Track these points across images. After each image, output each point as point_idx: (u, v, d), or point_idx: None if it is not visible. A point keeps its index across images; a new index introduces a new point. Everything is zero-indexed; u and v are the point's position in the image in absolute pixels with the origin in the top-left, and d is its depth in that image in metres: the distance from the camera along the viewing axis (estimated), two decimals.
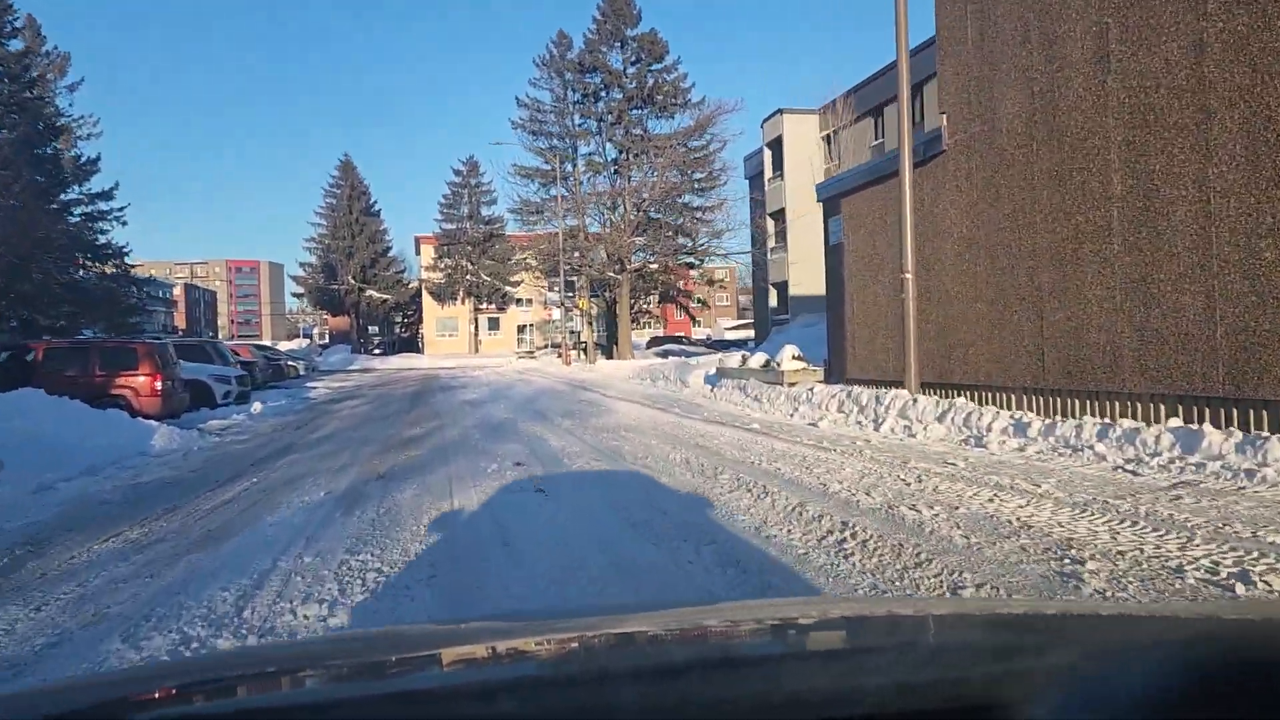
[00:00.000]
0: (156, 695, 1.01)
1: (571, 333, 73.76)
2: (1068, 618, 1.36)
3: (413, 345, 75.81)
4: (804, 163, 33.03)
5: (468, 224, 64.24)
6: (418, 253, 70.45)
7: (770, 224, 34.66)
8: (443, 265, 64.11)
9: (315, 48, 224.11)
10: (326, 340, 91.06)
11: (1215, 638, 1.08)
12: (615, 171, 38.22)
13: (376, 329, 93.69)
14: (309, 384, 31.68)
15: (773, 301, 35.47)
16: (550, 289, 72.84)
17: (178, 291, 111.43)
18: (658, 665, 1.06)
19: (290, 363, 38.46)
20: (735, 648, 1.18)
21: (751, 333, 78.22)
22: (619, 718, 0.82)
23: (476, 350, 65.23)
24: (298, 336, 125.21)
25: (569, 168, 40.29)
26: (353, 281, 63.38)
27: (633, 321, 43.10)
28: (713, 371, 18.72)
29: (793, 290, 33.45)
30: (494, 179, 65.05)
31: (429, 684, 1.06)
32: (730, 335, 77.78)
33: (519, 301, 68.63)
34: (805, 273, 32.53)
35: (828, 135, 32.75)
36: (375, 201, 67.42)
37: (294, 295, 71.18)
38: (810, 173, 33.27)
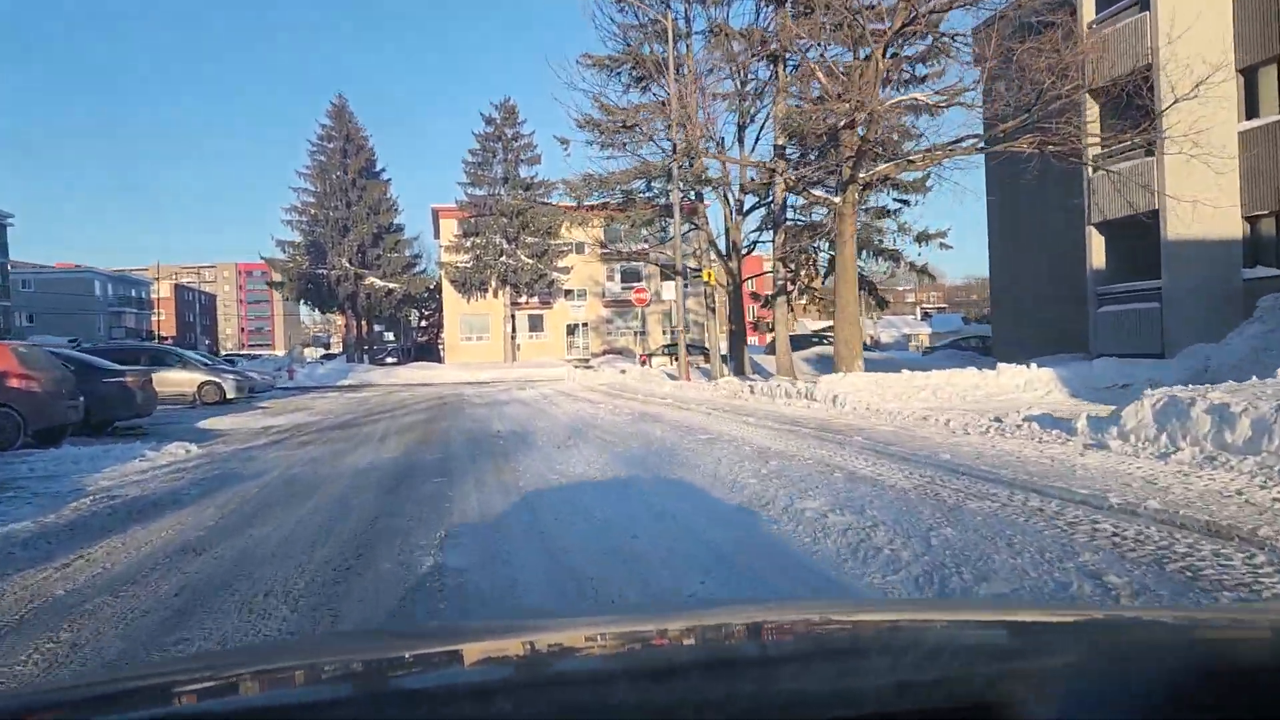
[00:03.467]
0: (159, 693, 0.98)
1: (638, 333, 57.04)
2: (1069, 620, 1.35)
3: (431, 352, 59.75)
4: None
5: (502, 189, 48.06)
6: (436, 235, 54.09)
7: (1092, 112, 18.01)
8: (469, 245, 47.94)
9: None
10: (340, 349, 75.06)
11: (1216, 641, 1.07)
12: (769, 54, 21.77)
13: (390, 333, 78.28)
14: (201, 424, 15.66)
15: (1096, 260, 18.71)
16: (609, 277, 56.50)
17: (165, 292, 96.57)
18: (656, 666, 1.05)
19: (210, 380, 22.54)
20: (735, 648, 1.16)
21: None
22: (618, 718, 0.81)
23: (514, 358, 48.98)
24: (308, 345, 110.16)
25: (672, 54, 23.88)
26: (348, 265, 47.21)
27: (730, 318, 26.57)
28: None
29: (1172, 231, 16.70)
30: (535, 129, 48.63)
31: (425, 684, 1.04)
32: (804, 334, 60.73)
33: (568, 293, 52.35)
34: (1221, 186, 15.91)
35: None
36: (382, 168, 51.15)
37: (270, 285, 55.16)
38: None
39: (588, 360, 49.11)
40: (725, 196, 26.24)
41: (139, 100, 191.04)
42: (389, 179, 50.71)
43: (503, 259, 47.33)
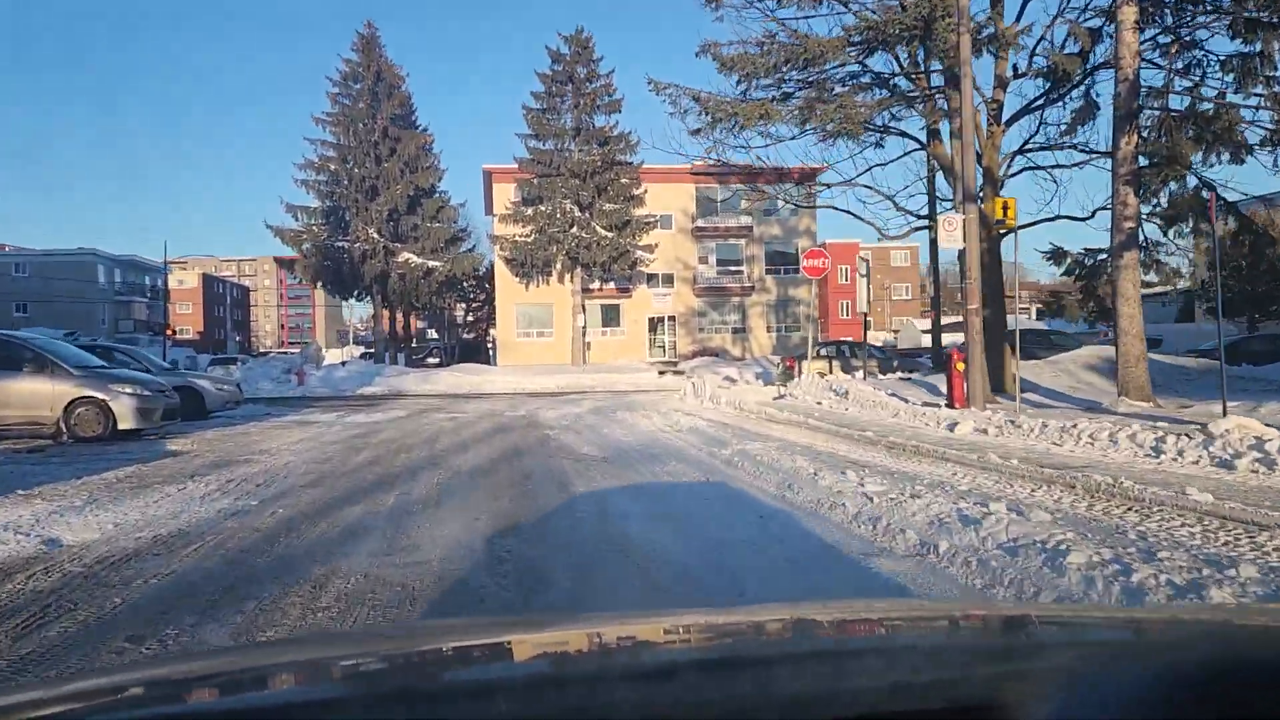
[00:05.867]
0: (175, 688, 0.98)
1: (737, 331, 46.14)
2: (1066, 620, 1.34)
3: (479, 352, 49.74)
4: None
5: (572, 144, 37.74)
6: (489, 210, 43.86)
7: None
8: (530, 213, 37.69)
9: None
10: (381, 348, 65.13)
11: (1212, 640, 1.08)
12: None
13: (433, 329, 68.51)
14: None
15: None
16: (703, 259, 45.62)
17: (192, 283, 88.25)
18: (654, 666, 1.05)
19: (86, 398, 12.56)
20: (732, 649, 1.16)
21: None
22: (616, 718, 0.81)
23: (585, 360, 38.62)
24: (347, 344, 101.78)
25: None
26: (376, 236, 37.18)
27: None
28: None
29: None
30: (614, 68, 37.88)
31: (424, 683, 1.03)
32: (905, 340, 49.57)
33: (649, 279, 41.87)
34: None
35: None
36: (424, 126, 40.81)
37: (279, 262, 45.47)
38: None
39: (675, 363, 38.63)
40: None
41: (151, 90, 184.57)
42: (431, 135, 40.56)
43: (573, 230, 36.92)
